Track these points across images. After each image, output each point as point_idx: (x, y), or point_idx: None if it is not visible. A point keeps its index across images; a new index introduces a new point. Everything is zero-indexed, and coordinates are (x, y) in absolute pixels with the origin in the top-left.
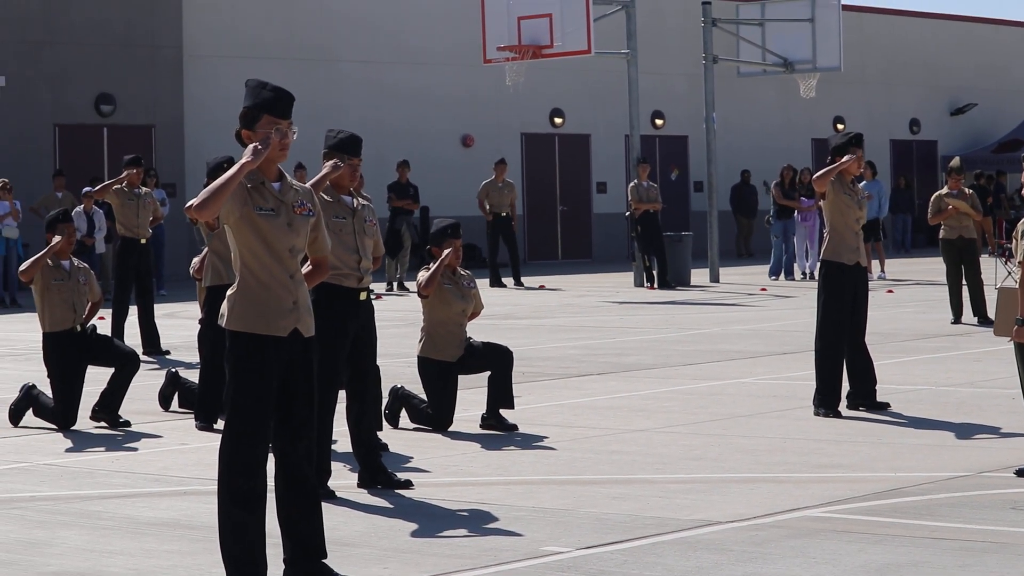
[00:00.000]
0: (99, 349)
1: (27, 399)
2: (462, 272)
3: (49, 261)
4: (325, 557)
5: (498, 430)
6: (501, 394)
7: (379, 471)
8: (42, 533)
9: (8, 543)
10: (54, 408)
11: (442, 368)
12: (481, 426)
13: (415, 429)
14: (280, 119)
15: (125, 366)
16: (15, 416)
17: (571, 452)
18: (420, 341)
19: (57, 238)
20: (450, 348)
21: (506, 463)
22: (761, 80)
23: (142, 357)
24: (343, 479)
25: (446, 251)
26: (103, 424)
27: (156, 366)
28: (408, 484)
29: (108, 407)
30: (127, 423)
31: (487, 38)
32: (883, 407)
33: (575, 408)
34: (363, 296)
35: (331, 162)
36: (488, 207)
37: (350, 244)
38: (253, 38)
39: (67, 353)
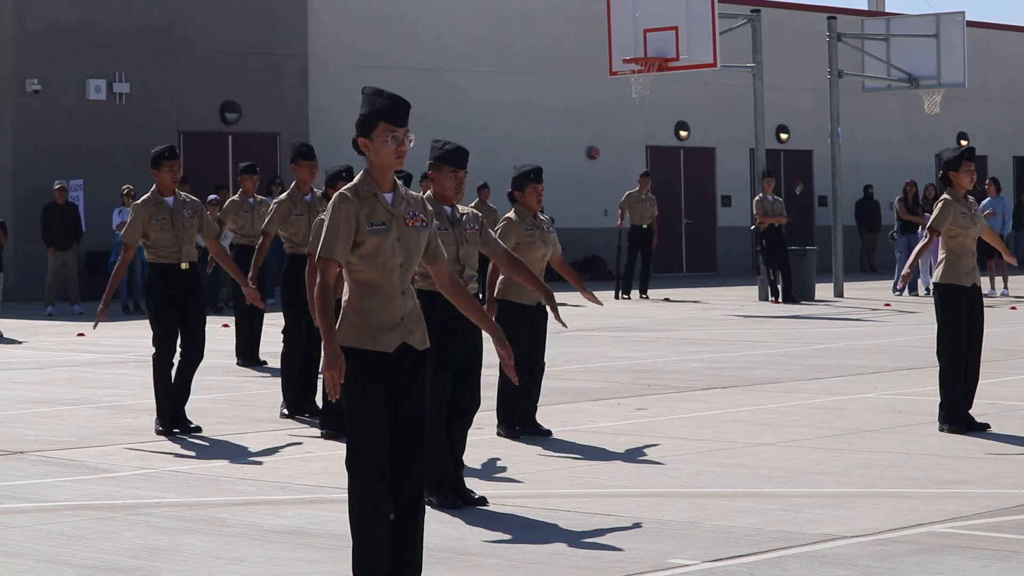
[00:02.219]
0: (191, 309)
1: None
2: (543, 216)
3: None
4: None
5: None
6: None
7: (461, 487)
8: (167, 540)
9: (134, 549)
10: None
11: (521, 311)
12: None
13: (533, 440)
14: (396, 127)
15: (190, 355)
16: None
17: (697, 465)
18: (499, 281)
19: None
20: (531, 292)
21: (632, 475)
22: (885, 95)
23: (235, 366)
24: (480, 487)
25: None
26: (178, 431)
27: (267, 374)
28: (483, 501)
29: (176, 415)
30: (198, 428)
31: (613, 50)
32: (982, 427)
33: (700, 421)
34: None
35: None
36: (628, 218)
37: (451, 255)
38: (377, 49)
39: (173, 288)
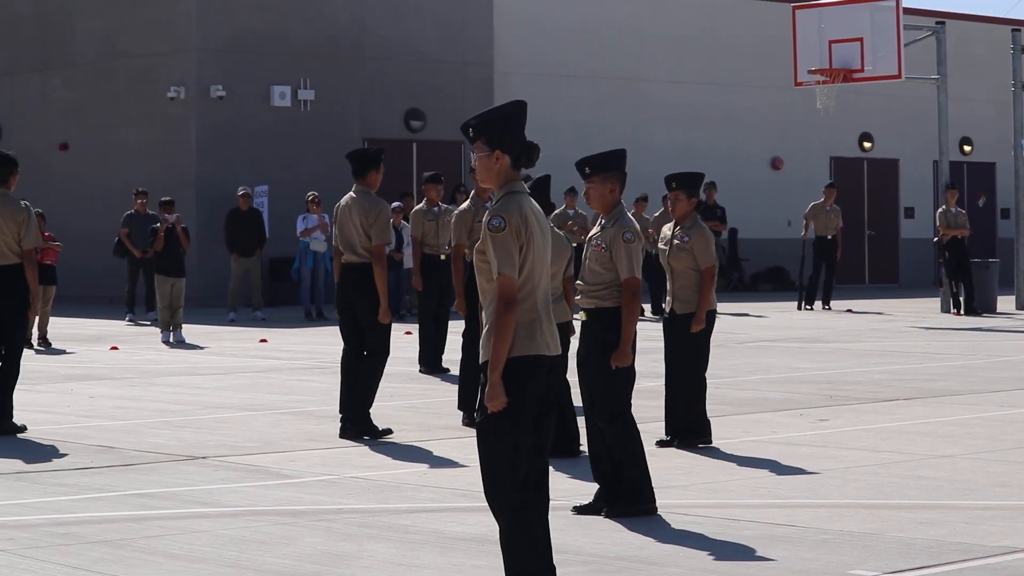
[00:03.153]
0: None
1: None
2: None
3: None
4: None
5: None
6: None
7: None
8: (349, 546)
9: (316, 555)
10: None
11: None
12: None
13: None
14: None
15: (372, 354)
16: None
17: (878, 476)
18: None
19: None
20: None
21: (814, 486)
22: None
23: (418, 373)
24: (661, 497)
25: None
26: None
27: (450, 382)
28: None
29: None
30: (388, 431)
31: (798, 61)
32: None
33: (882, 432)
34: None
35: None
36: (812, 229)
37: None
38: (563, 57)
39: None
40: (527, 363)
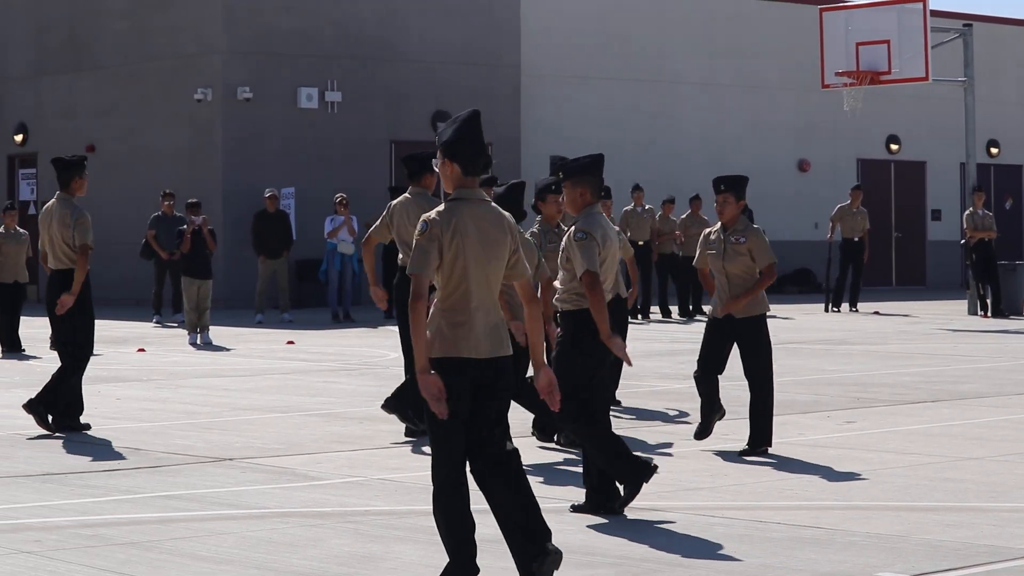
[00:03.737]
0: None
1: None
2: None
3: None
4: (550, 538)
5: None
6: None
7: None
8: (376, 547)
9: (343, 557)
10: None
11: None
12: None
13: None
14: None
15: None
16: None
17: (905, 479)
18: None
19: None
20: None
21: (841, 488)
22: None
23: None
24: (688, 499)
25: None
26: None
27: None
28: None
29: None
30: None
31: (825, 63)
32: None
33: (909, 435)
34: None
35: None
36: (839, 231)
37: None
38: (591, 59)
39: None
40: (449, 364)
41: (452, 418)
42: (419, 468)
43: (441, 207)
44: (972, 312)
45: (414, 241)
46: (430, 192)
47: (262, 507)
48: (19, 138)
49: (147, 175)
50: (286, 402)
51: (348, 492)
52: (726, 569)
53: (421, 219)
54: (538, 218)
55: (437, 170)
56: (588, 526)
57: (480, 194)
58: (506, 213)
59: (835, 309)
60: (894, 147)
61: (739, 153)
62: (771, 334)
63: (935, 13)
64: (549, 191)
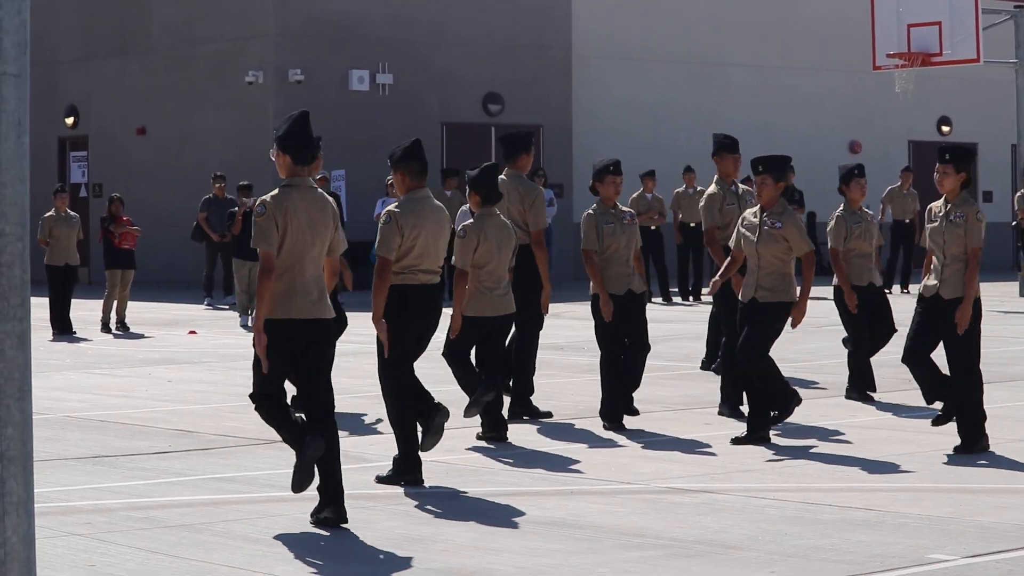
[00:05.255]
0: None
1: None
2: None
3: None
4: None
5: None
6: None
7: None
8: (427, 529)
9: (394, 539)
10: None
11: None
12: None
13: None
14: None
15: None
16: None
17: (958, 461)
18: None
19: None
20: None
21: (891, 470)
22: None
23: None
24: (740, 481)
25: None
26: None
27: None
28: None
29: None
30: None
31: (877, 44)
32: None
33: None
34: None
35: None
36: (889, 213)
37: None
38: (641, 41)
39: None
40: (277, 324)
41: (278, 366)
42: (469, 451)
43: (276, 192)
44: (1023, 294)
45: (254, 221)
46: (524, 174)
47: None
48: (70, 121)
49: (198, 158)
50: (338, 384)
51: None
52: (777, 551)
53: (259, 202)
54: (597, 199)
55: (319, 161)
56: (640, 507)
57: (309, 181)
58: (329, 198)
59: (887, 291)
60: (945, 129)
61: (790, 135)
62: (822, 316)
63: None
64: (607, 172)
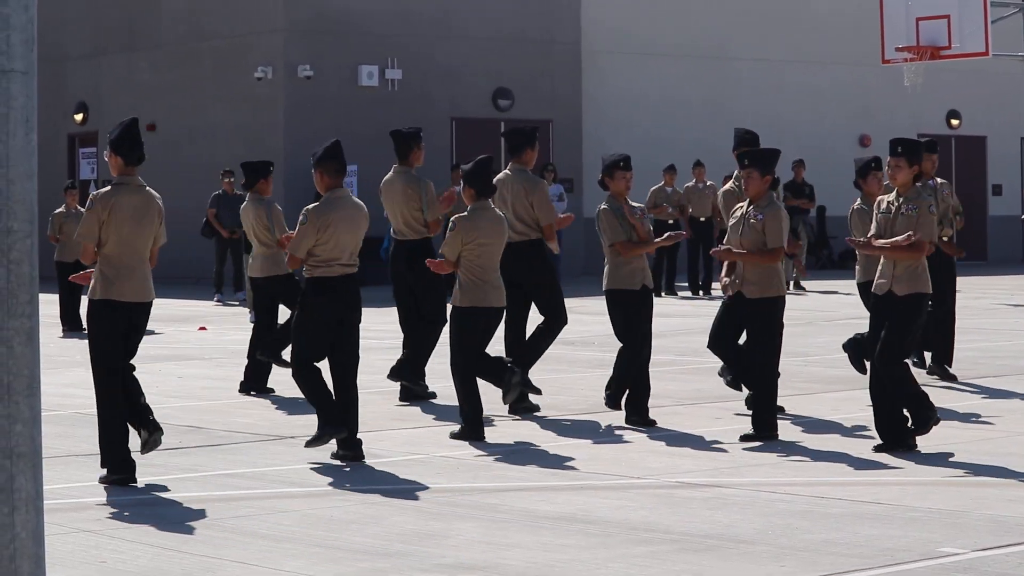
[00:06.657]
0: None
1: None
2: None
3: None
4: None
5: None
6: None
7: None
8: (439, 525)
9: (405, 534)
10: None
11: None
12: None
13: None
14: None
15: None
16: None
17: (967, 454)
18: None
19: None
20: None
21: (900, 463)
22: None
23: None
24: (750, 475)
25: None
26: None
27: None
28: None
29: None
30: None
31: (886, 38)
32: None
33: (971, 410)
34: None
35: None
36: None
37: None
38: (650, 35)
39: None
40: (104, 305)
41: (111, 342)
42: (479, 446)
43: (106, 189)
44: None
45: (85, 214)
46: (529, 169)
47: (323, 485)
48: (79, 117)
49: (207, 153)
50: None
51: (409, 469)
52: (788, 545)
53: (91, 199)
54: (607, 194)
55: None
56: (649, 502)
57: (138, 180)
58: (156, 195)
59: None
60: (954, 122)
61: (800, 129)
62: (836, 309)
63: None
64: (617, 167)
